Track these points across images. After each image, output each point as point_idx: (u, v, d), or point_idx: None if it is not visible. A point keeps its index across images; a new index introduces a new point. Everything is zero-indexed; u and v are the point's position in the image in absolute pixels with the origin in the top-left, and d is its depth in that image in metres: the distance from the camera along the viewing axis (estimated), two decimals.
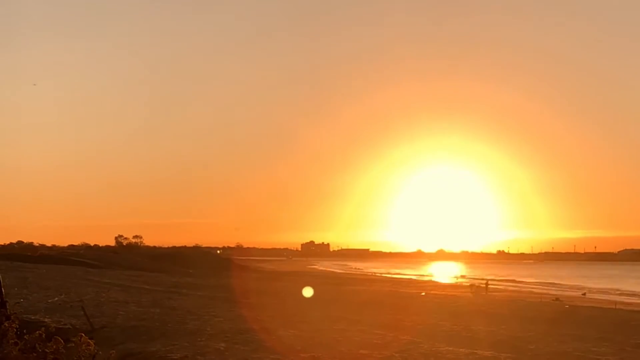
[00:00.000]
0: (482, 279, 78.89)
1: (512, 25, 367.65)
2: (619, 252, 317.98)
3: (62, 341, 7.47)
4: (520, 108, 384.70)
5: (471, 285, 65.10)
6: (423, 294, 51.73)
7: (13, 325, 7.49)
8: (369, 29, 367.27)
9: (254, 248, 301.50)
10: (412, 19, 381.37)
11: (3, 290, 8.32)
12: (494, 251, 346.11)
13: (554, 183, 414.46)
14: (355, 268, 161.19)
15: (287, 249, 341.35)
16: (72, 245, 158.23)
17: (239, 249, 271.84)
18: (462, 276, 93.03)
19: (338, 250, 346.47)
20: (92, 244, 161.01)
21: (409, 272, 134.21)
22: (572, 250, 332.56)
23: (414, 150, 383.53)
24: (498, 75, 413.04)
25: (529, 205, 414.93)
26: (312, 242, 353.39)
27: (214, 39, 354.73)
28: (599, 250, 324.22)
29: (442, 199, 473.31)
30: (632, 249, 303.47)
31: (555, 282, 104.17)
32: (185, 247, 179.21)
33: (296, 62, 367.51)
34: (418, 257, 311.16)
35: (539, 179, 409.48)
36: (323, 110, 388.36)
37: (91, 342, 7.54)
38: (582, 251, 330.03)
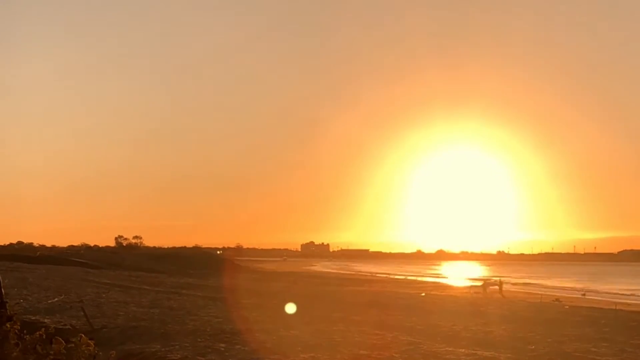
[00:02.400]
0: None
1: (534, 13, 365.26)
2: (619, 252, 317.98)
3: (62, 342, 7.47)
4: (533, 101, 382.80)
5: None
6: (423, 294, 51.74)
7: (14, 326, 7.49)
8: (387, 19, 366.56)
9: (254, 249, 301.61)
10: (432, 9, 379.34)
11: (3, 291, 8.31)
12: (494, 252, 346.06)
13: (556, 185, 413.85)
14: (356, 269, 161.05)
15: (287, 249, 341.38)
16: (72, 246, 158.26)
17: (239, 249, 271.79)
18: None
19: (338, 250, 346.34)
20: (92, 245, 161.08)
21: (412, 273, 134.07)
22: (572, 251, 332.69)
23: (425, 144, 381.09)
24: (516, 64, 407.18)
25: (530, 207, 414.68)
26: (312, 243, 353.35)
27: (223, 35, 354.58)
28: (598, 250, 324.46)
29: (448, 196, 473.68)
30: (632, 250, 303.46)
31: (555, 282, 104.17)
32: (185, 247, 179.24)
33: (313, 53, 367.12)
34: (417, 258, 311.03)
35: (542, 180, 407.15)
36: (335, 107, 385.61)
37: (91, 343, 7.53)
38: (582, 252, 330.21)
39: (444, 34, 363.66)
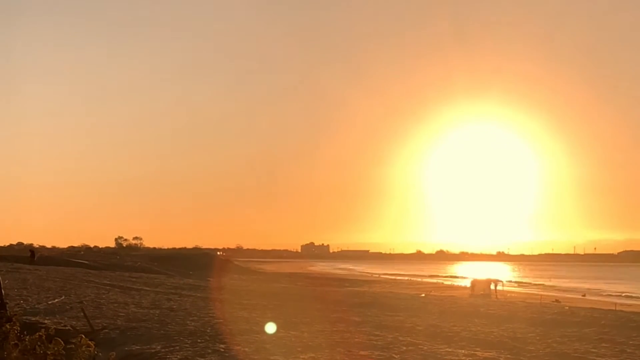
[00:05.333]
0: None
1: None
2: (619, 253, 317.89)
3: (62, 343, 7.48)
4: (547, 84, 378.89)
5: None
6: (423, 295, 51.74)
7: (14, 327, 7.50)
8: (410, 4, 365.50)
9: (254, 249, 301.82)
10: None
11: (3, 292, 8.32)
12: (494, 252, 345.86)
13: (557, 185, 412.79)
14: (355, 270, 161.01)
15: (287, 250, 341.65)
16: (72, 247, 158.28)
17: (239, 250, 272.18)
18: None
19: (338, 251, 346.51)
20: (92, 246, 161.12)
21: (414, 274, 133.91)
22: (572, 252, 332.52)
23: (442, 131, 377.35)
24: (537, 48, 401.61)
25: (531, 208, 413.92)
26: (312, 244, 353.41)
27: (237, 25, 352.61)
28: (598, 251, 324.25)
29: (454, 194, 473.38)
30: (632, 250, 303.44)
31: (555, 283, 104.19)
32: (185, 248, 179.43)
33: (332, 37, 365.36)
34: (417, 259, 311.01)
35: (545, 180, 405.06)
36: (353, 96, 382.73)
37: (91, 344, 7.55)
38: (582, 252, 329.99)
39: (464, 18, 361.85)
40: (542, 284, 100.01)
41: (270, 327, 18.50)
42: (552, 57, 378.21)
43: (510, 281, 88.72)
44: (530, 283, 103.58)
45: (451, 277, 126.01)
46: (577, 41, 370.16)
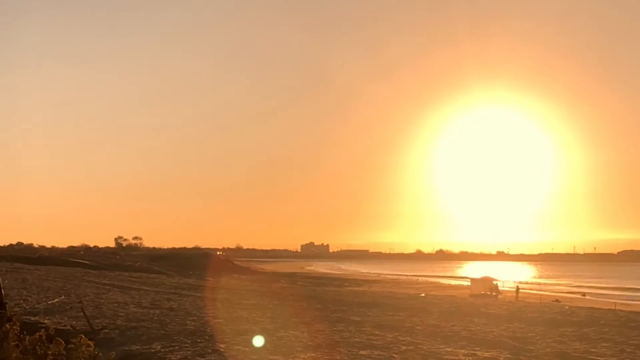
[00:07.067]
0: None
1: None
2: (618, 253, 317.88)
3: (62, 343, 7.48)
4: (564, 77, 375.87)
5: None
6: (423, 295, 51.78)
7: (14, 327, 7.50)
8: None
9: (254, 249, 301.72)
10: None
11: (3, 292, 8.32)
12: (494, 252, 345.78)
13: (556, 185, 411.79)
14: (356, 269, 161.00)
15: (286, 250, 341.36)
16: (72, 247, 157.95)
17: (239, 250, 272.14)
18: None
19: (338, 251, 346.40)
20: (91, 245, 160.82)
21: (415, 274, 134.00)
22: (571, 251, 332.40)
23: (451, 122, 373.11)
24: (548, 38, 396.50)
25: (532, 207, 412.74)
26: (311, 243, 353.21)
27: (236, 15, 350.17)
28: (598, 251, 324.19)
29: (456, 193, 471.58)
30: (632, 250, 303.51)
31: (555, 282, 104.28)
32: (184, 248, 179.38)
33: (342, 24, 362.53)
34: (417, 258, 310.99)
35: (547, 180, 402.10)
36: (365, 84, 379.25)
37: (91, 344, 7.54)
38: (582, 252, 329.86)
39: (477, 4, 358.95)
40: (542, 284, 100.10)
41: (258, 341, 18.29)
42: (565, 42, 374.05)
43: (510, 281, 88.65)
44: (531, 283, 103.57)
45: (451, 277, 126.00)
46: (591, 26, 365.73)
